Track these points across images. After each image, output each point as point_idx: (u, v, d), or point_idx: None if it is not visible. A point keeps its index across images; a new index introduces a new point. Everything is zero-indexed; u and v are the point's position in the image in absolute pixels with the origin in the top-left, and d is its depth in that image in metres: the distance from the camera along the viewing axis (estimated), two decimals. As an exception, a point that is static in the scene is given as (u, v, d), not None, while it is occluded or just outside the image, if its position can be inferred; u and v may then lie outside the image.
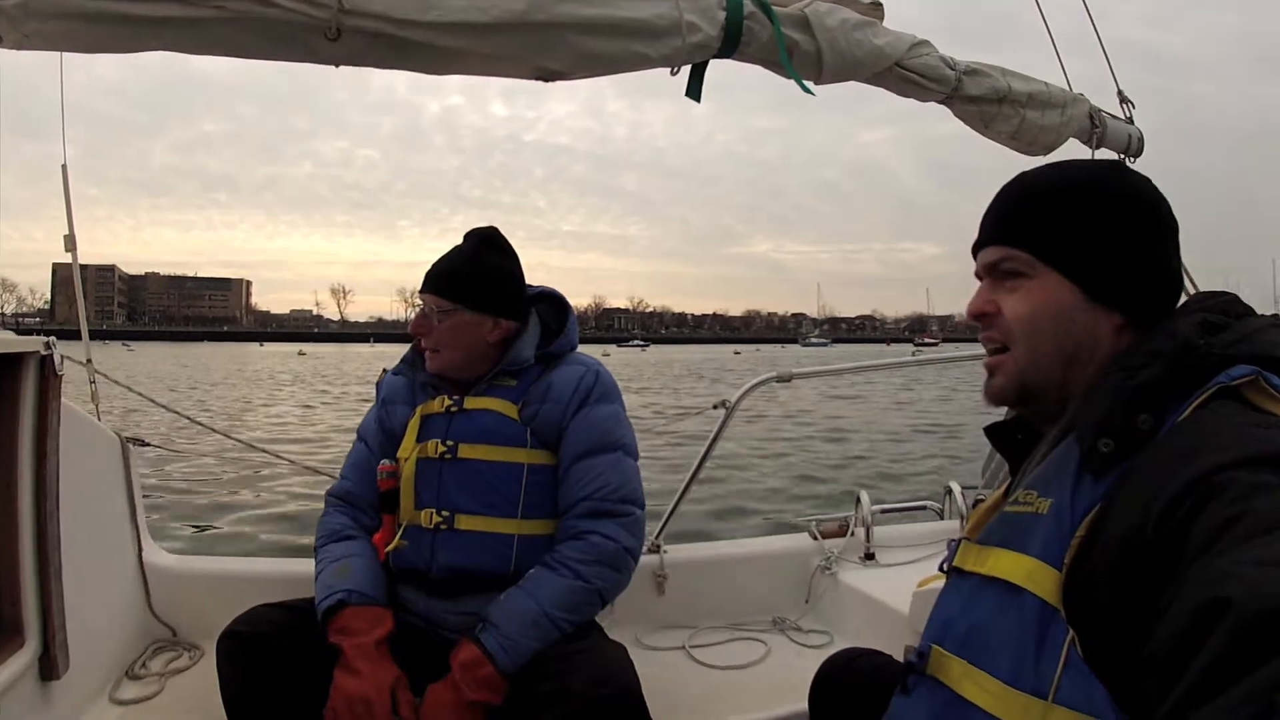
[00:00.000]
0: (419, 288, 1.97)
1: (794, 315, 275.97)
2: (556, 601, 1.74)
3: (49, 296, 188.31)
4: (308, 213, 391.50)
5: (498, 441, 1.88)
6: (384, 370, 2.14)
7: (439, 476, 1.87)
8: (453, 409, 1.92)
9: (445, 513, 1.84)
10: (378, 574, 1.87)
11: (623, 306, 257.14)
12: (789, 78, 1.98)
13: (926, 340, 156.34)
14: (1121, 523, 0.82)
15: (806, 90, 2.03)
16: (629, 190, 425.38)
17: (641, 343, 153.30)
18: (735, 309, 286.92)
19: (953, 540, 1.12)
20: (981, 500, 2.93)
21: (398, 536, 1.87)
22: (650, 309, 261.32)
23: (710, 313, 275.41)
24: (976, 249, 1.14)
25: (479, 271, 1.95)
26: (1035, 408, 1.08)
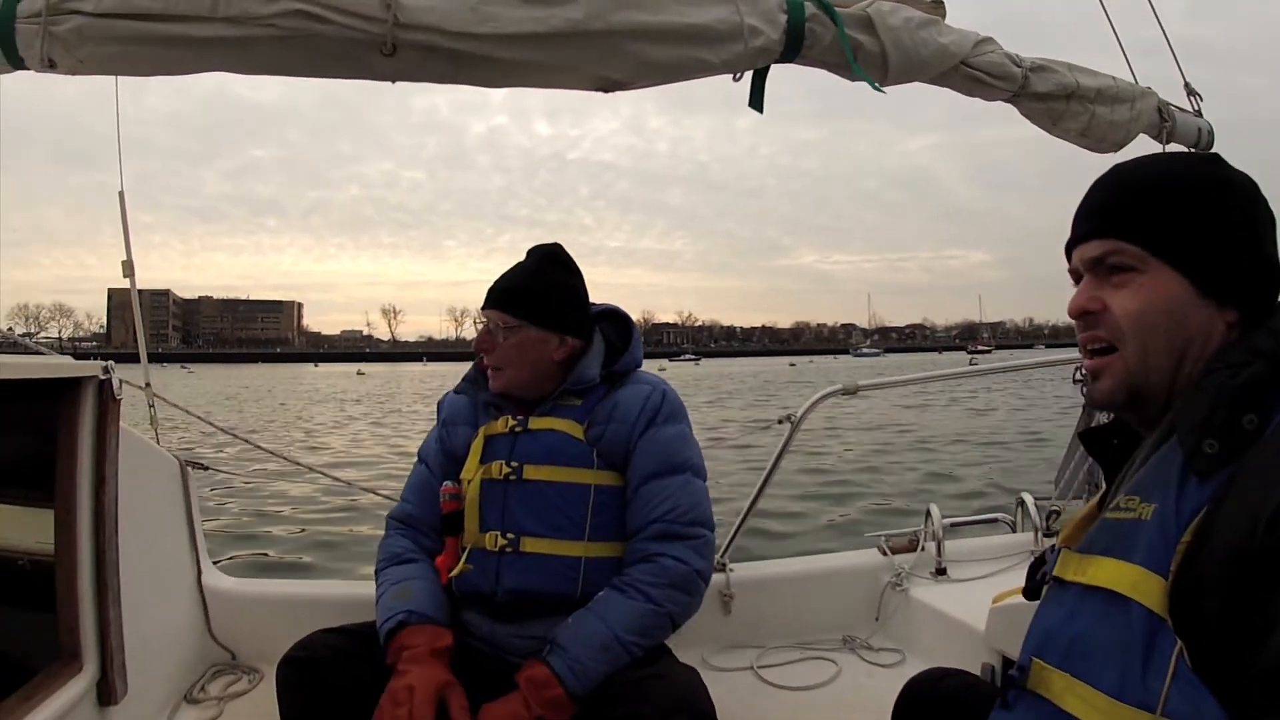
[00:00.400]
0: (481, 304, 1.94)
1: (843, 326, 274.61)
2: (627, 625, 1.70)
3: (105, 321, 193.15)
4: (354, 235, 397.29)
5: (563, 462, 1.84)
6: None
7: (504, 498, 1.83)
8: (517, 429, 1.88)
9: (510, 535, 1.80)
10: (438, 596, 1.83)
11: (671, 321, 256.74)
12: (855, 80, 1.92)
13: (980, 348, 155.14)
14: (1229, 529, 0.80)
15: (877, 89, 1.97)
16: (673, 205, 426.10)
17: (693, 356, 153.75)
18: (783, 321, 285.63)
19: (1051, 550, 1.08)
20: (1056, 511, 2.87)
21: (462, 560, 1.83)
22: (699, 323, 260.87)
23: (759, 325, 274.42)
24: (1073, 245, 1.08)
25: (544, 288, 1.92)
26: (1142, 411, 1.03)
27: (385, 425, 21.53)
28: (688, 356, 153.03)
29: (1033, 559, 1.55)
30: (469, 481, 1.87)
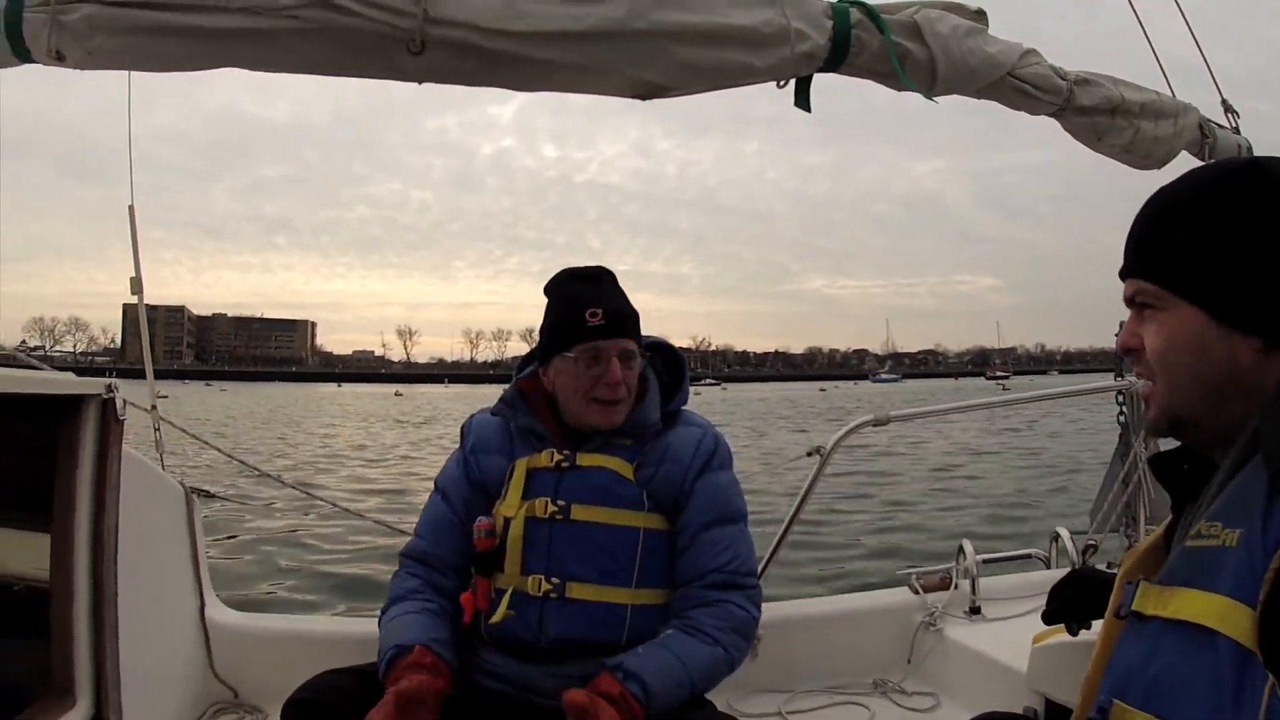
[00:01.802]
0: (598, 328, 1.76)
1: (855, 351, 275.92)
2: (699, 666, 1.64)
3: (120, 336, 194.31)
4: (363, 255, 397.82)
5: (614, 504, 1.74)
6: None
7: (549, 539, 1.72)
8: (564, 464, 1.77)
9: (555, 580, 1.69)
10: (426, 622, 1.71)
11: (687, 346, 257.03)
12: (902, 89, 1.86)
13: (999, 374, 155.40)
14: None
15: (928, 98, 1.90)
16: (681, 229, 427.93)
17: (714, 382, 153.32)
18: (794, 346, 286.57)
19: (1129, 583, 1.01)
20: (1094, 545, 2.77)
21: (504, 605, 1.70)
22: (712, 348, 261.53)
23: (772, 350, 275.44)
24: (1121, 278, 1.08)
25: (637, 313, 1.86)
26: (1193, 437, 1.04)
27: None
28: (709, 382, 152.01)
29: (1052, 585, 1.48)
30: (511, 518, 1.74)
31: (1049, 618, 1.49)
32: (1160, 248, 1.00)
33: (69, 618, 1.73)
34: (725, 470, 1.85)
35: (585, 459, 1.77)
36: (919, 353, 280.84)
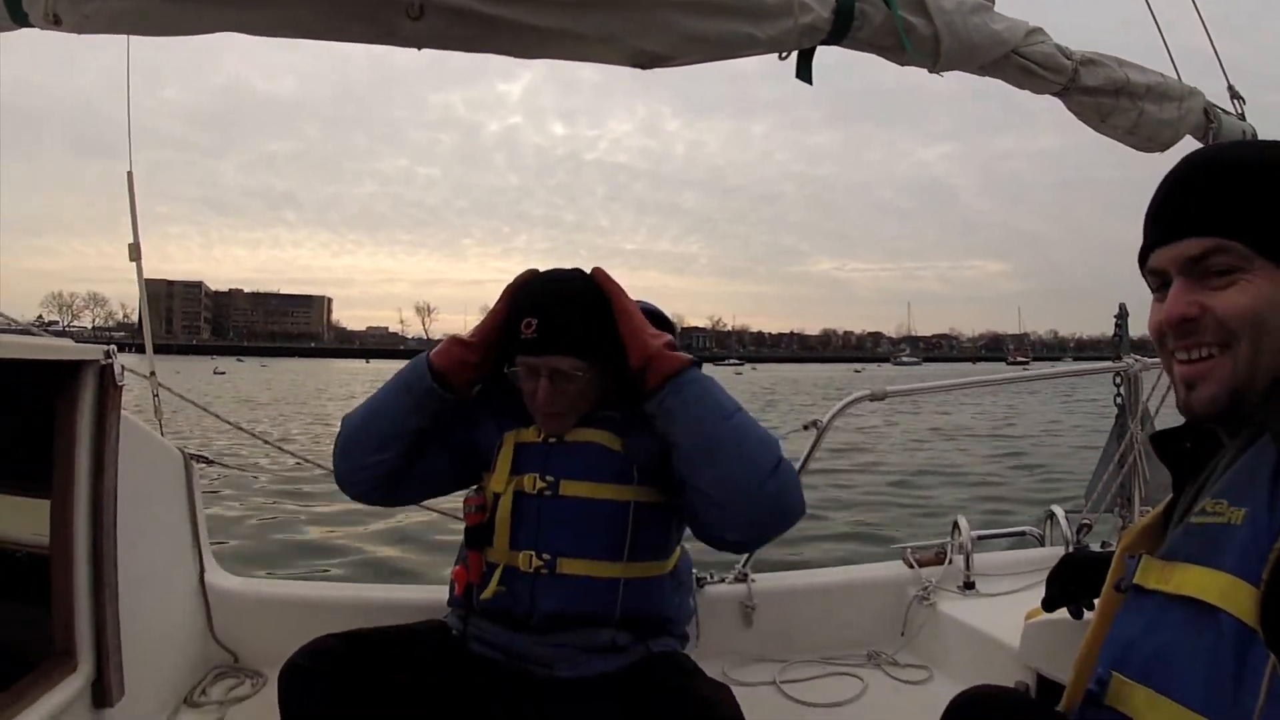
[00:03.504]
0: (528, 342, 1.68)
1: (870, 334, 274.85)
2: (751, 422, 1.60)
3: (138, 311, 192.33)
4: (371, 231, 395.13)
5: (602, 478, 1.70)
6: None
7: (538, 515, 1.70)
8: (550, 440, 1.75)
9: (546, 555, 1.67)
10: None
11: (703, 325, 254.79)
12: (905, 64, 1.85)
13: (1019, 359, 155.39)
14: None
15: (931, 71, 1.89)
16: (689, 208, 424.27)
17: (738, 361, 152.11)
18: (808, 328, 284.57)
19: (1130, 557, 1.01)
20: (1088, 525, 2.78)
21: (495, 581, 1.69)
22: (727, 328, 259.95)
23: (788, 332, 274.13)
24: (1157, 245, 0.98)
25: (598, 320, 1.72)
26: (1244, 415, 0.93)
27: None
28: (733, 362, 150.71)
29: (1050, 570, 1.47)
30: (498, 494, 1.73)
31: (1050, 604, 1.46)
32: (1253, 207, 0.91)
33: (69, 582, 1.73)
34: None
35: (573, 434, 1.74)
36: (933, 336, 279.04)
